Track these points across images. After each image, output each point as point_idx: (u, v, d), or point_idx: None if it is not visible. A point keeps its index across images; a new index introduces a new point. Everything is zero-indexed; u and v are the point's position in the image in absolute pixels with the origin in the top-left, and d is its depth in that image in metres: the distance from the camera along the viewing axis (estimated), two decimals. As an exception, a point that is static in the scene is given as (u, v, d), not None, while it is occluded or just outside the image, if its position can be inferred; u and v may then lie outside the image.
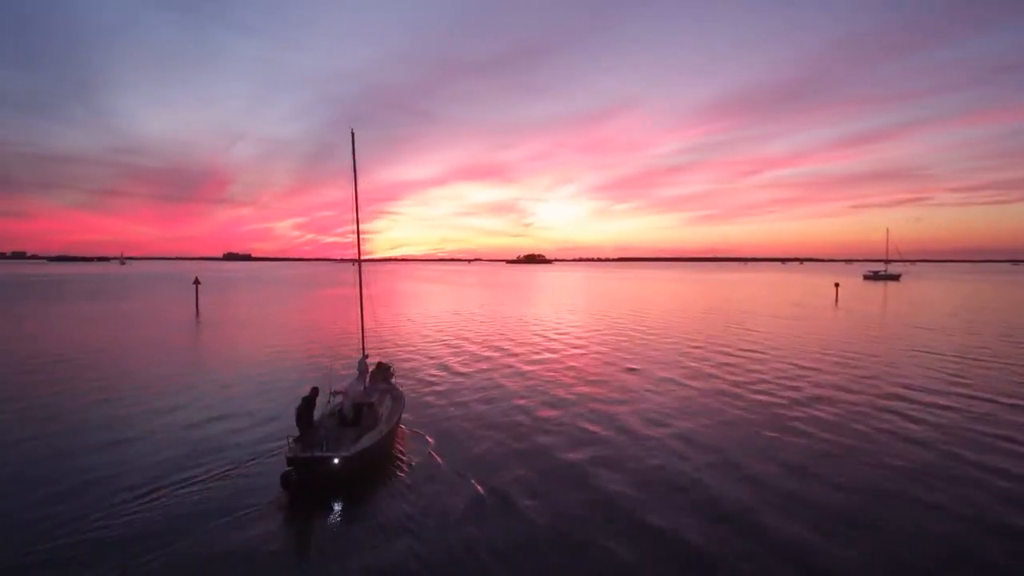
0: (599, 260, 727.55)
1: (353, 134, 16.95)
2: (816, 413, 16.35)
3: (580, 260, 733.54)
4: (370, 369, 17.00)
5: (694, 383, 20.30)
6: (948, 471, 12.03)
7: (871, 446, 13.55)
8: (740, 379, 20.90)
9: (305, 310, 48.54)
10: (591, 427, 15.18)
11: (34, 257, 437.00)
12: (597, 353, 26.72)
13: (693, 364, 23.83)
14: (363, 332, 18.94)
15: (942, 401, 17.64)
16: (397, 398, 15.75)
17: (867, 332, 33.98)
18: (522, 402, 17.75)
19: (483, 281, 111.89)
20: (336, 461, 10.98)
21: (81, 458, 12.62)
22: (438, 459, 12.85)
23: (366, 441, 11.98)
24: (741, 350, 27.36)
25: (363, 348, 18.05)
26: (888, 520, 9.83)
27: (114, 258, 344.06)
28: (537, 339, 31.26)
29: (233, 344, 29.25)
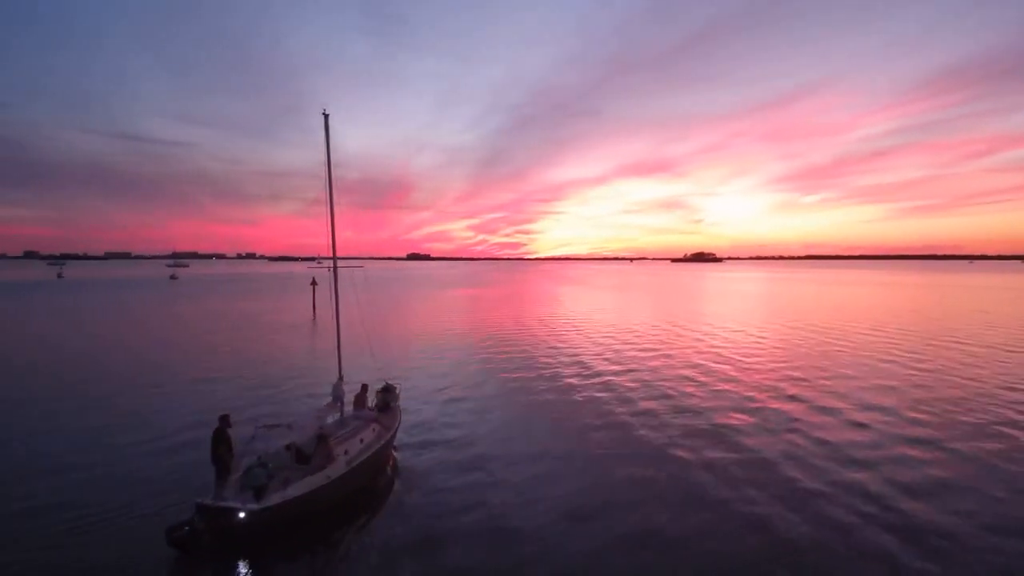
0: (781, 259, 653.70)
1: (326, 116, 13.87)
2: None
3: (757, 259, 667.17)
4: (354, 393, 14.11)
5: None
6: None
7: None
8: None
9: (421, 313, 47.77)
10: (630, 507, 10.41)
11: (261, 257, 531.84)
12: (673, 397, 20.49)
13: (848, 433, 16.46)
14: (339, 349, 15.62)
15: None
16: (383, 431, 12.68)
17: None
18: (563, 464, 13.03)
19: (626, 283, 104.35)
20: (242, 515, 8.77)
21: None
22: (413, 516, 10.03)
23: (293, 491, 9.40)
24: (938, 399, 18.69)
25: (339, 369, 14.91)
26: None
27: (314, 257, 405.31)
28: (612, 366, 25.48)
29: (314, 349, 28.53)
